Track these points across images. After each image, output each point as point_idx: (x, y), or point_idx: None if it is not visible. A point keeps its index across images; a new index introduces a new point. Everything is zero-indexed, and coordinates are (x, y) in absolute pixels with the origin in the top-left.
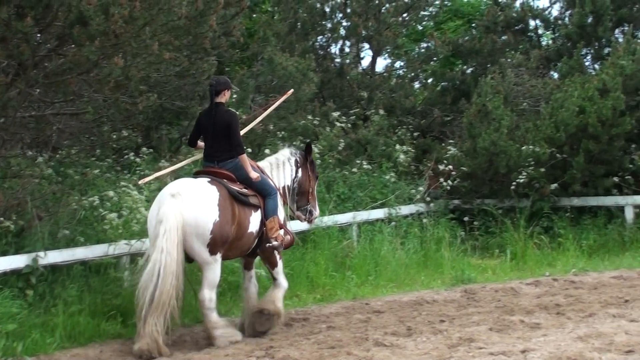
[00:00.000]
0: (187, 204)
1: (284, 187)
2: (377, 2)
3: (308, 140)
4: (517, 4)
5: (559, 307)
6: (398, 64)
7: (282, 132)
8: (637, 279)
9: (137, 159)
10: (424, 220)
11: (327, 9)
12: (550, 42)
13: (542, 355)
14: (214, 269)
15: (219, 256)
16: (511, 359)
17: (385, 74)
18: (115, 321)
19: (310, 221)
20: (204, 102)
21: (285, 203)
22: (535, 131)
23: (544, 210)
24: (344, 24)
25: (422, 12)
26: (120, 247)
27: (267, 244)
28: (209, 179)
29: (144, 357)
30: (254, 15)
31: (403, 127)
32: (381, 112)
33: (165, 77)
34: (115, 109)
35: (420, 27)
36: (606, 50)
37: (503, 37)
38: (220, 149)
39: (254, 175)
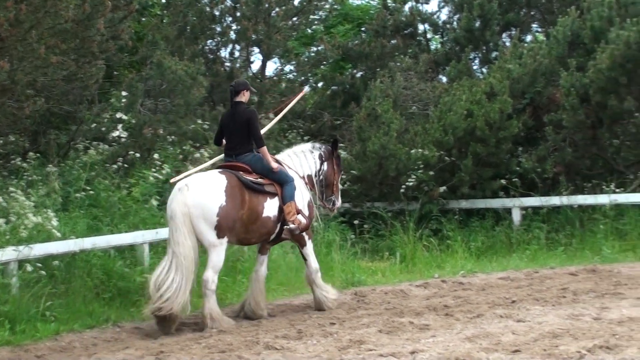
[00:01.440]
0: (193, 193)
1: (309, 176)
2: (266, 5)
3: (335, 137)
4: (406, 8)
5: (448, 308)
6: (288, 67)
7: (172, 137)
8: (524, 279)
9: (24, 164)
10: (315, 224)
11: (217, 13)
12: (438, 46)
13: (431, 356)
14: (219, 252)
15: (225, 240)
16: None
17: (275, 78)
18: (3, 328)
19: (332, 210)
20: (93, 106)
21: (312, 190)
22: (424, 134)
23: (433, 213)
24: (234, 27)
25: (312, 16)
26: (8, 253)
27: (285, 227)
28: (220, 170)
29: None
30: (143, 19)
31: (293, 130)
32: (271, 116)
33: (52, 81)
34: (1, 114)
35: (310, 31)
36: (494, 54)
37: (392, 41)
38: (238, 144)
39: (274, 165)
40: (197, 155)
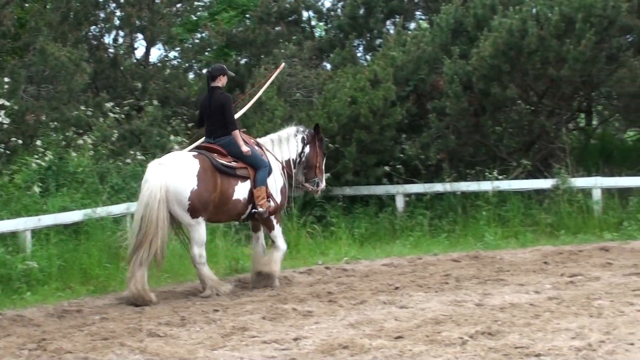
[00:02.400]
0: (169, 174)
1: (287, 161)
2: None
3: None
4: None
5: (331, 295)
6: (172, 54)
7: (55, 123)
8: (407, 266)
9: None
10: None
11: None
12: (323, 33)
13: (314, 343)
14: (197, 230)
15: (201, 219)
16: (284, 347)
17: (159, 65)
18: None
19: (316, 192)
20: None
21: (290, 175)
22: (308, 121)
23: (317, 200)
24: (118, 14)
25: (197, 3)
26: None
27: (253, 210)
28: (195, 153)
29: (137, 302)
30: (26, 5)
31: (177, 117)
32: (155, 102)
33: None
34: None
35: (194, 18)
36: (378, 41)
37: (276, 28)
38: (216, 127)
39: (245, 149)
40: (80, 141)
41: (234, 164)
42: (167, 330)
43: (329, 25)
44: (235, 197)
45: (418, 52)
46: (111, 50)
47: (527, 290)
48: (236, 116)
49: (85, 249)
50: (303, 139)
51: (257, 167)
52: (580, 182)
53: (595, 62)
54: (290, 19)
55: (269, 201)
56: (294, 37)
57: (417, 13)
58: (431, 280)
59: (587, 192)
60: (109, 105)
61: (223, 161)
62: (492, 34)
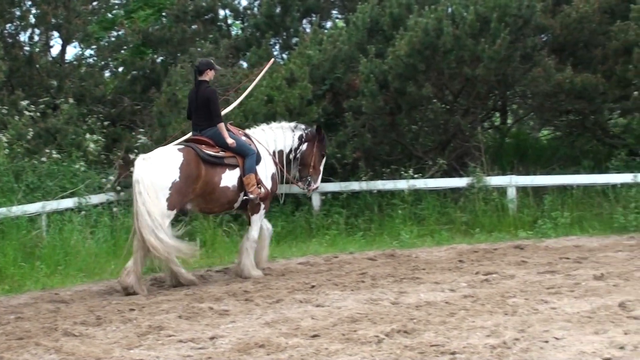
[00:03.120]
0: (152, 168)
1: (279, 152)
2: None
3: (319, 124)
4: None
5: (248, 293)
6: (88, 52)
7: None
8: (324, 264)
9: None
10: (115, 210)
11: None
12: (239, 31)
13: (231, 342)
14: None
15: (174, 213)
16: (200, 345)
17: (75, 63)
18: None
19: (308, 191)
20: None
21: (277, 166)
22: (225, 120)
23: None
24: (33, 11)
25: (113, 1)
26: None
27: (244, 197)
28: (181, 146)
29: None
30: None
31: (93, 115)
32: (71, 100)
33: None
34: None
35: (110, 16)
36: (294, 40)
37: (193, 27)
38: (201, 120)
39: (229, 141)
40: None
41: (221, 153)
42: (82, 330)
43: (246, 24)
44: (222, 184)
45: (334, 51)
46: (27, 48)
47: (442, 288)
48: (226, 110)
49: (0, 248)
50: (301, 136)
51: (244, 155)
52: (495, 180)
53: (509, 62)
54: (206, 17)
55: (260, 187)
56: (211, 36)
57: (334, 12)
58: (347, 279)
59: (502, 191)
60: (24, 103)
61: (210, 152)
62: (407, 33)
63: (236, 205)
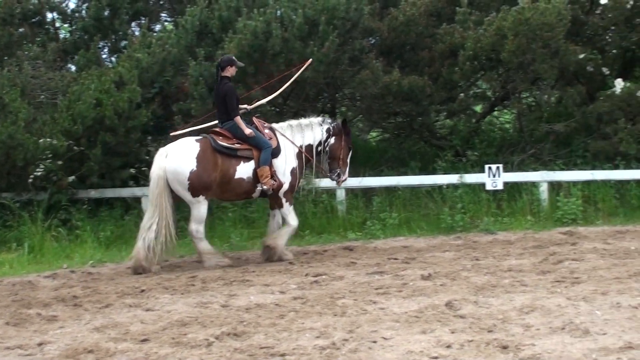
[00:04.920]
0: (169, 160)
1: (307, 146)
2: None
3: (344, 118)
4: None
5: (77, 299)
6: None
7: None
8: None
9: None
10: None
11: None
12: (67, 35)
13: (59, 348)
14: (197, 207)
15: (202, 198)
16: (28, 352)
17: None
18: None
19: (338, 182)
20: None
21: (308, 160)
22: (52, 124)
23: (62, 203)
24: None
25: None
26: None
27: (258, 188)
28: (199, 137)
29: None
30: None
31: None
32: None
33: None
34: None
35: None
36: (123, 43)
37: (20, 30)
38: (222, 113)
39: (247, 131)
40: None
41: (237, 145)
42: None
43: (74, 27)
44: (237, 176)
45: (163, 54)
46: None
47: (272, 290)
48: (256, 105)
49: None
50: (329, 129)
51: (260, 148)
52: (324, 182)
53: (338, 64)
54: (34, 20)
55: (274, 180)
56: (38, 39)
57: (163, 15)
58: (177, 282)
59: (331, 193)
60: None
61: (225, 143)
62: (236, 36)
63: (255, 195)
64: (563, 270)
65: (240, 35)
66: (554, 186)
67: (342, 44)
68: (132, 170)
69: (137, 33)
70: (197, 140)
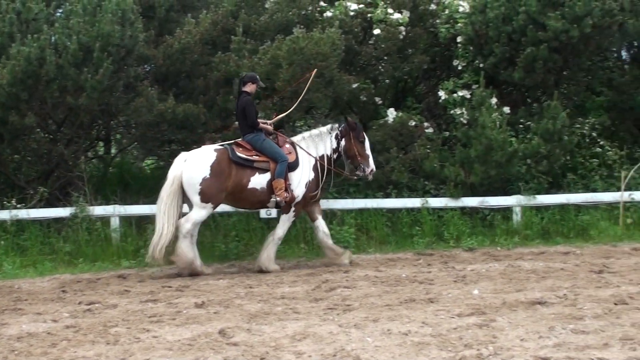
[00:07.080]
0: (187, 164)
1: (322, 156)
2: None
3: (347, 117)
4: None
5: None
6: None
7: None
8: None
9: None
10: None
11: None
12: None
13: None
14: (199, 211)
15: (209, 205)
16: None
17: None
18: None
19: (367, 176)
20: None
21: (328, 169)
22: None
23: None
24: None
25: None
26: None
27: (272, 199)
28: (217, 147)
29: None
30: None
31: None
32: None
33: None
34: None
35: None
36: None
37: None
38: (242, 126)
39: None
40: None
41: (255, 157)
42: None
43: None
44: (251, 186)
45: None
46: None
47: (44, 319)
48: (275, 119)
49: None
50: (337, 135)
51: (276, 161)
52: (98, 210)
53: (112, 91)
54: None
55: (288, 192)
56: None
57: None
58: None
59: (105, 221)
60: None
61: (242, 155)
62: (10, 62)
63: (270, 205)
64: (335, 297)
65: (13, 61)
66: (328, 214)
67: (117, 71)
68: None
69: None
70: (215, 150)
